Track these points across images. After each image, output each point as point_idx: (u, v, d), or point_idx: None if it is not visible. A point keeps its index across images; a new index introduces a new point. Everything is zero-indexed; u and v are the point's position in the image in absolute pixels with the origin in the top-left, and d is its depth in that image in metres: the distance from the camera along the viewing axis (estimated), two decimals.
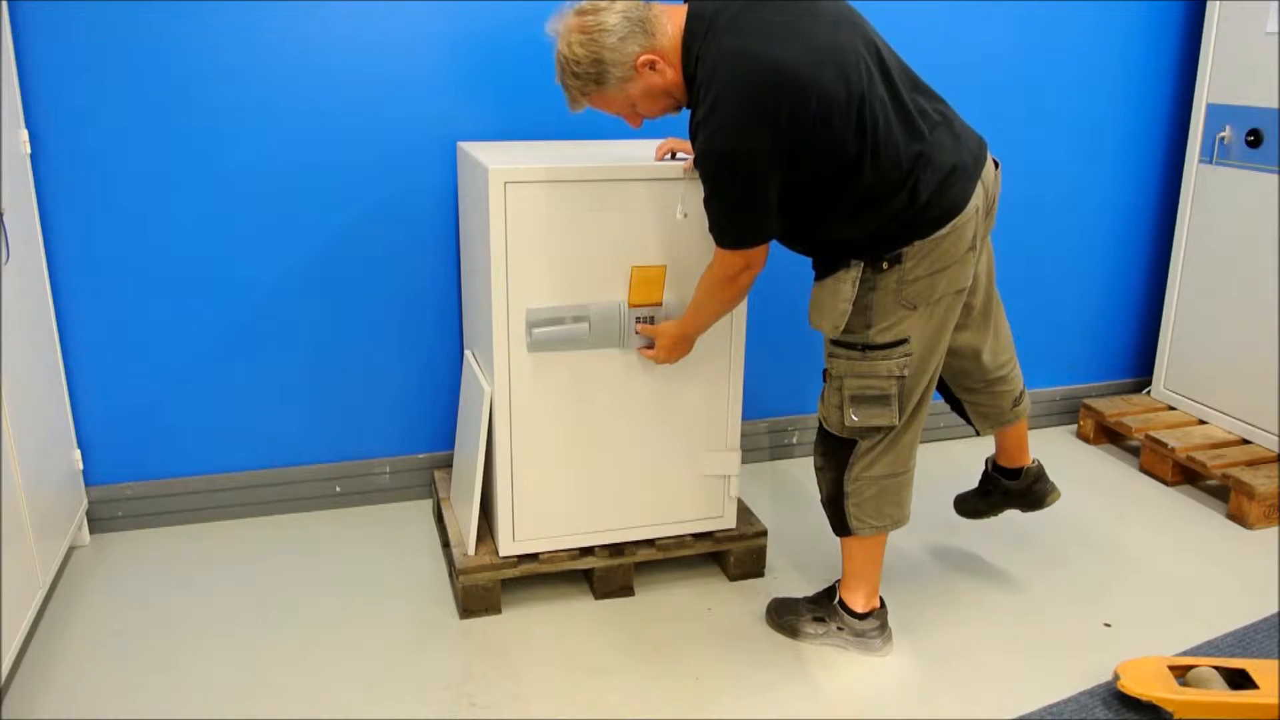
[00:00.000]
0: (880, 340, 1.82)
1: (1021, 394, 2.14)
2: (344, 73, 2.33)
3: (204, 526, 2.51)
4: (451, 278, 2.55)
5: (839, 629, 2.05)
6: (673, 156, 2.08)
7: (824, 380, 1.94)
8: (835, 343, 1.87)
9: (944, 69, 2.49)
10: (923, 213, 1.74)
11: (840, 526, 1.98)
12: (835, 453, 1.93)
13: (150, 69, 2.21)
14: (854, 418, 1.86)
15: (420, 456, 2.66)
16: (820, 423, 1.96)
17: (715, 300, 1.90)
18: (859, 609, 2.03)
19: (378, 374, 2.57)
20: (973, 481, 2.36)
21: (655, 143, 2.27)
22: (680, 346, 2.03)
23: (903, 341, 1.82)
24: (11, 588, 1.83)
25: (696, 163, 1.74)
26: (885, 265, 1.77)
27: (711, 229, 1.78)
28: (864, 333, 1.82)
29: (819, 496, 2.01)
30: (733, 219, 1.74)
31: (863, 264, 1.78)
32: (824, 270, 1.85)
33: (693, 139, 1.74)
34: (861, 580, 2.02)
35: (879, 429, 1.88)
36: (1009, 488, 2.25)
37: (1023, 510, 2.28)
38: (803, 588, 2.25)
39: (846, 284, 1.80)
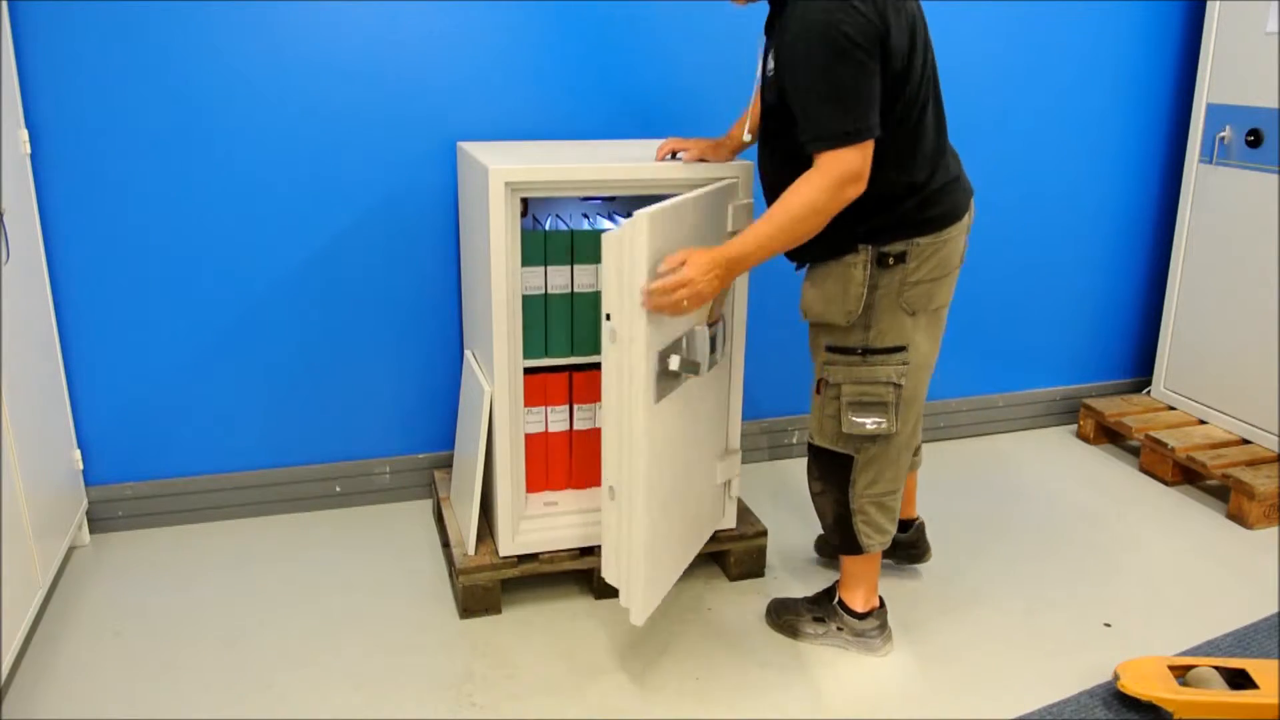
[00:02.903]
0: (879, 344, 1.80)
1: (919, 446, 2.14)
2: (344, 72, 2.33)
3: (204, 526, 2.51)
4: (451, 278, 2.56)
5: (839, 629, 2.05)
6: (673, 156, 2.08)
7: (817, 393, 1.90)
8: (833, 349, 1.84)
9: (944, 69, 2.48)
10: (928, 206, 1.75)
11: (851, 546, 1.95)
12: (833, 473, 1.91)
13: (150, 69, 2.21)
14: (854, 423, 1.84)
15: (420, 456, 2.66)
16: (810, 446, 1.94)
17: (813, 214, 1.64)
18: (859, 609, 2.03)
19: (378, 374, 2.57)
20: (972, 482, 2.35)
21: (656, 143, 2.28)
22: (719, 276, 1.70)
23: (901, 349, 1.81)
24: (11, 588, 1.83)
25: (790, 49, 1.61)
26: (891, 261, 1.76)
27: (814, 130, 1.61)
28: (864, 335, 1.81)
29: (821, 523, 1.99)
30: (852, 106, 1.59)
31: (870, 251, 1.76)
32: (826, 253, 1.79)
33: (775, 33, 1.69)
34: (861, 580, 2.02)
35: (874, 439, 1.86)
36: (898, 539, 2.27)
37: (898, 563, 2.31)
38: (802, 588, 2.25)
39: (857, 269, 1.77)
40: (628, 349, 1.71)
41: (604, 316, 1.73)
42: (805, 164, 1.67)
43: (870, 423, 1.83)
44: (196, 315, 2.40)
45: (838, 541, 1.98)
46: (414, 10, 2.34)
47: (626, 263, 1.68)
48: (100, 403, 2.39)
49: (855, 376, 1.83)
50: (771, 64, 1.72)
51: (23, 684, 1.89)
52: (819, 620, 2.07)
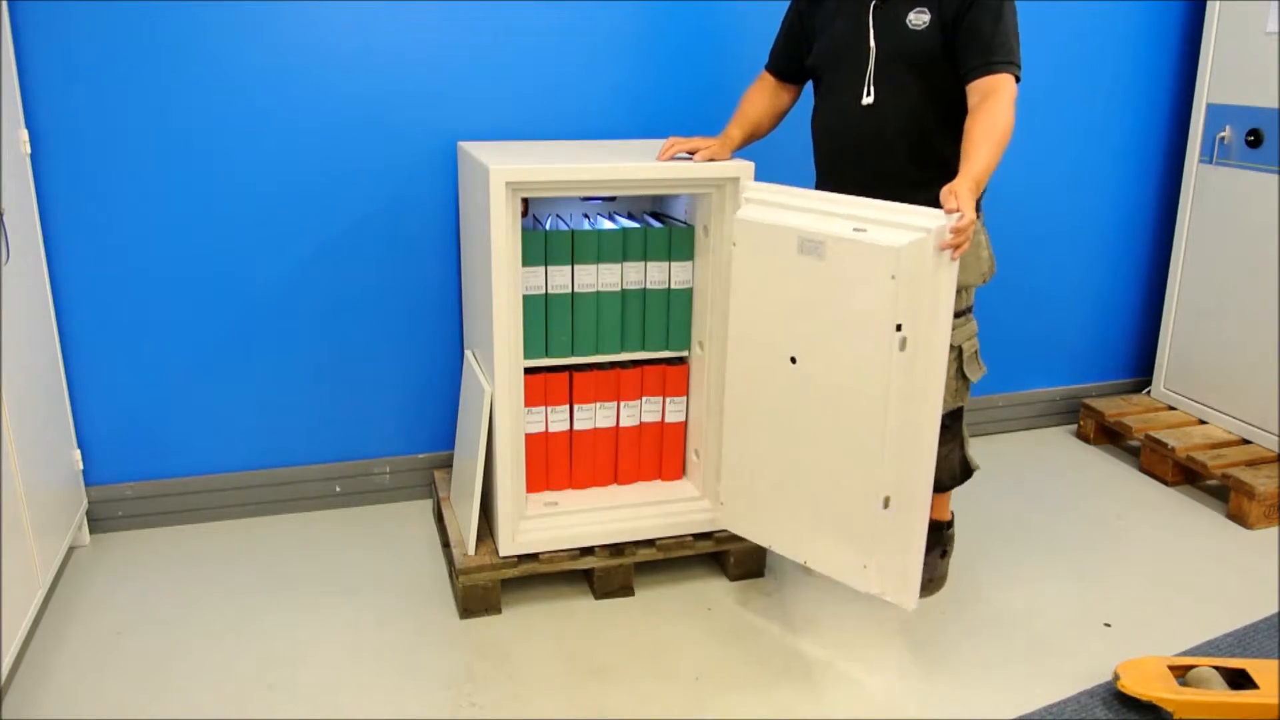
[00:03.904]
0: (968, 305, 2.06)
1: None
2: (345, 73, 2.33)
3: (204, 526, 2.51)
4: (452, 278, 2.55)
5: (947, 550, 2.29)
6: (674, 157, 2.08)
7: None
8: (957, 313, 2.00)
9: None
10: None
11: (966, 474, 2.20)
12: (954, 426, 2.12)
13: (150, 69, 2.21)
14: (972, 376, 2.07)
15: (420, 456, 2.66)
16: None
17: (1009, 132, 1.85)
18: (948, 518, 2.28)
19: (378, 374, 2.57)
20: (973, 482, 2.35)
21: (657, 143, 2.28)
22: (975, 201, 1.83)
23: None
24: (11, 588, 1.83)
25: None
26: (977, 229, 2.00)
27: (1010, 57, 1.86)
28: (964, 296, 2.02)
29: (941, 478, 2.07)
30: (1017, 46, 1.88)
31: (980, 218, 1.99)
32: None
33: None
34: (948, 496, 2.27)
35: (969, 388, 2.11)
36: None
37: None
38: (803, 587, 2.26)
39: (983, 234, 2.03)
40: (929, 357, 1.73)
41: (895, 327, 1.70)
42: (944, 109, 1.92)
43: (976, 372, 2.09)
44: (197, 315, 2.40)
45: (953, 477, 2.18)
46: (414, 10, 2.34)
47: (928, 271, 1.69)
48: (100, 403, 2.39)
49: (966, 335, 2.05)
50: (925, 16, 1.90)
51: (23, 684, 1.89)
52: (944, 554, 2.28)
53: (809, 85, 2.18)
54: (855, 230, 1.74)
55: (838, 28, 2.01)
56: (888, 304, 1.69)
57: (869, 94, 1.95)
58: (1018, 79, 1.87)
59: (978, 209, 1.96)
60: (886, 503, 1.81)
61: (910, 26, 1.91)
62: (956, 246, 1.69)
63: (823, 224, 1.79)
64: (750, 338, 1.95)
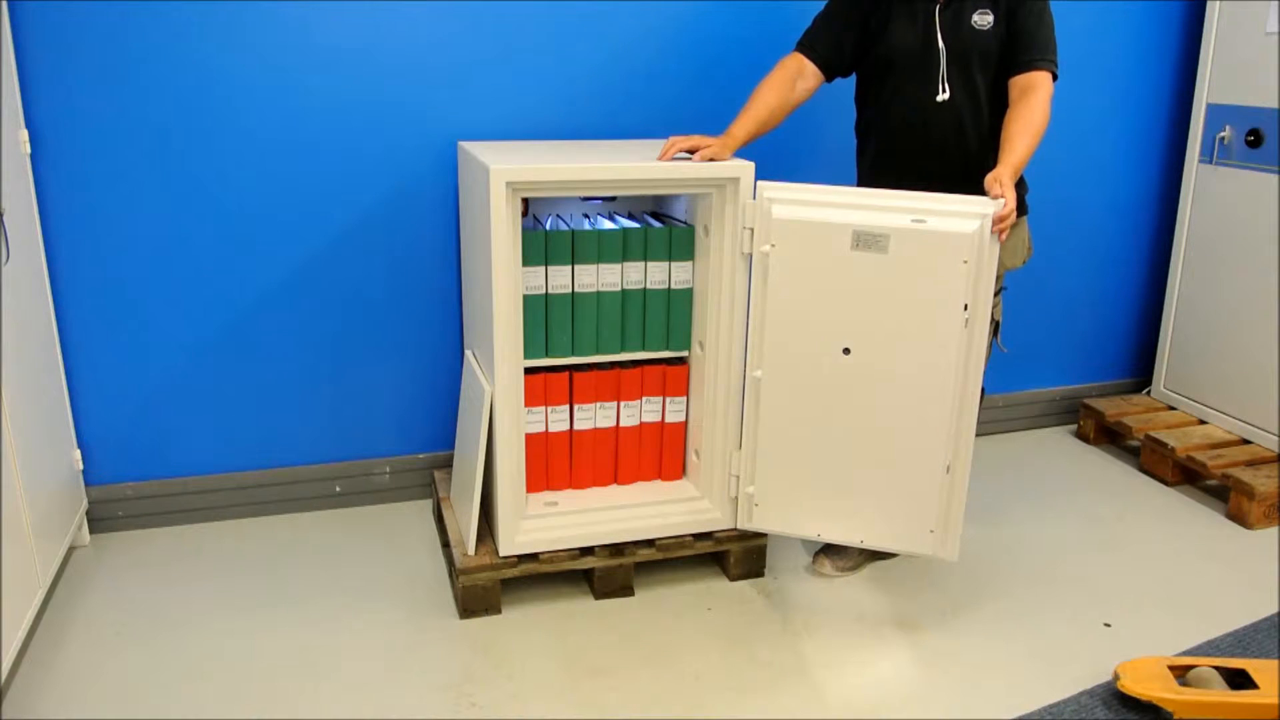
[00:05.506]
0: (1003, 282, 2.20)
1: None
2: (345, 72, 2.33)
3: (204, 526, 2.51)
4: (452, 278, 2.55)
5: None
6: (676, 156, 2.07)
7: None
8: (996, 292, 2.11)
9: None
10: None
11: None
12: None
13: (150, 69, 2.21)
14: (1004, 349, 2.20)
15: (420, 456, 2.66)
16: None
17: (1045, 125, 2.03)
18: None
19: (378, 374, 2.57)
20: (972, 482, 2.35)
21: (657, 143, 2.27)
22: (1014, 182, 1.98)
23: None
24: (11, 588, 1.83)
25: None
26: None
27: (1049, 55, 2.06)
28: (1000, 275, 2.11)
29: None
30: (1055, 46, 2.07)
31: None
32: (1018, 212, 2.03)
33: None
34: None
35: None
36: None
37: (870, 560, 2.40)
38: (803, 587, 2.25)
39: (1025, 219, 2.21)
40: (980, 330, 1.91)
41: (963, 307, 1.88)
42: (999, 101, 2.09)
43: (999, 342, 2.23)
44: (197, 315, 2.40)
45: None
46: (415, 10, 2.34)
47: (985, 254, 1.87)
48: (100, 403, 2.39)
49: (999, 309, 2.22)
50: (988, 17, 2.06)
51: (23, 684, 1.89)
52: None
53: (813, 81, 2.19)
54: (914, 222, 1.85)
55: (900, 27, 2.09)
56: (959, 286, 1.86)
57: (944, 91, 2.07)
58: (1055, 77, 2.04)
59: (1024, 197, 2.15)
60: (948, 470, 1.98)
61: (975, 27, 2.06)
62: (1002, 230, 1.86)
63: (878, 219, 1.89)
64: (793, 336, 1.98)
